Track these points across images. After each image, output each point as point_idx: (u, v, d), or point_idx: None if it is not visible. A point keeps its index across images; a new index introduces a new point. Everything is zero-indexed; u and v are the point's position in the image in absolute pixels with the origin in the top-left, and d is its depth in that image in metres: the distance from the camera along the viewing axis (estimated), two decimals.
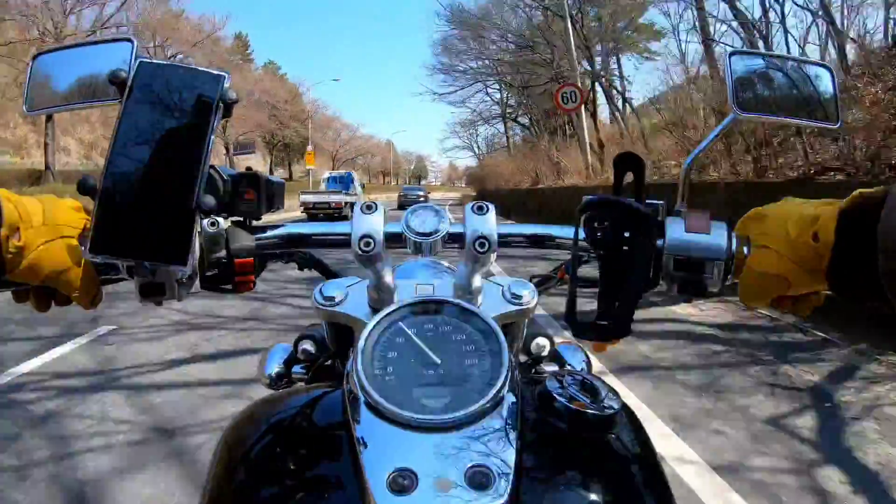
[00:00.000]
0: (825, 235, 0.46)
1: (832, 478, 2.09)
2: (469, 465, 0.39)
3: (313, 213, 17.02)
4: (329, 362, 0.74)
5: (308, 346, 0.75)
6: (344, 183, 20.58)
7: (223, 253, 0.54)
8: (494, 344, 0.47)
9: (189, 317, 4.37)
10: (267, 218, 0.62)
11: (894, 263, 0.40)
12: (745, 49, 0.70)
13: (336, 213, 16.66)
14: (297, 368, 0.78)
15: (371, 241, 0.49)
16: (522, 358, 0.77)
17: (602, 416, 0.48)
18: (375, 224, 0.50)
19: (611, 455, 0.47)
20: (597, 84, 20.75)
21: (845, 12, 10.55)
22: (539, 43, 22.69)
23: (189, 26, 27.45)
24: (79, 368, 3.27)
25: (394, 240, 0.51)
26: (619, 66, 23.07)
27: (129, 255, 0.46)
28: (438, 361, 0.45)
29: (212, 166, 0.51)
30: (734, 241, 0.53)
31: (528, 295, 0.55)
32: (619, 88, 21.97)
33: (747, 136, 6.24)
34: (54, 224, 0.48)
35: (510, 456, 0.40)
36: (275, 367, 0.78)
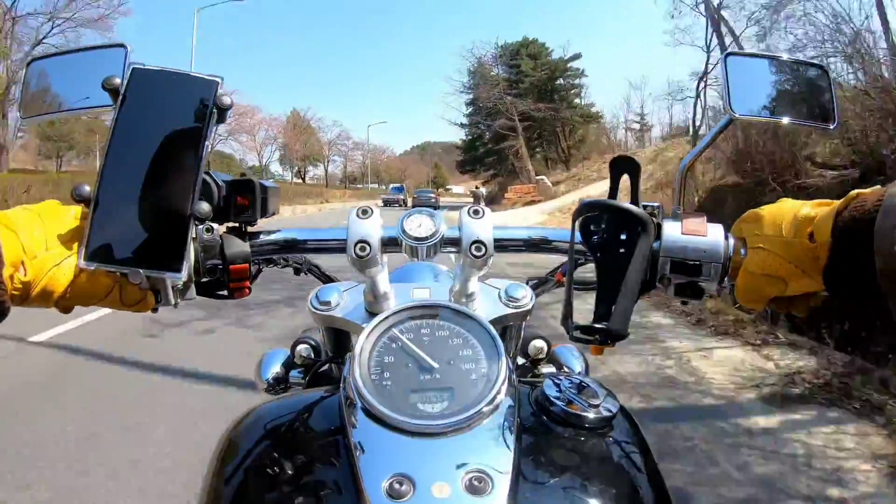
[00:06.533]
0: (821, 236, 0.46)
1: None
2: (466, 471, 0.39)
3: (387, 201, 33.82)
4: (326, 367, 0.74)
5: (305, 350, 0.75)
6: (399, 190, 41.90)
7: (218, 259, 0.53)
8: (491, 348, 0.46)
9: None
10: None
11: (891, 263, 0.40)
12: (741, 50, 0.70)
13: (399, 205, 31.00)
14: (294, 373, 0.78)
15: (367, 245, 0.49)
16: (520, 360, 0.77)
17: (599, 419, 0.48)
18: (371, 228, 0.50)
19: (608, 457, 0.47)
20: None
21: None
22: None
23: None
24: None
25: (390, 244, 0.51)
26: None
27: (124, 264, 0.46)
28: (435, 366, 0.45)
29: (206, 172, 0.51)
30: (730, 243, 0.53)
31: (525, 297, 0.55)
32: None
33: None
34: (59, 245, 0.46)
35: (508, 460, 0.40)
36: (272, 372, 0.78)
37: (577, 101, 39.92)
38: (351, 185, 61.30)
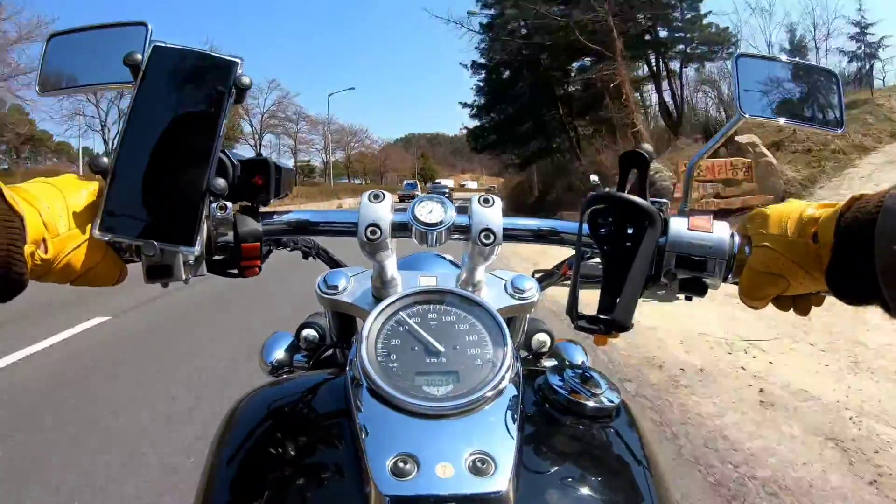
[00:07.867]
0: (825, 237, 0.46)
1: None
2: (470, 452, 0.39)
3: (402, 197, 31.58)
4: (331, 351, 0.75)
5: (310, 334, 0.76)
6: (413, 186, 41.39)
7: (230, 237, 0.54)
8: (497, 334, 0.47)
9: None
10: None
11: (891, 263, 0.41)
12: (752, 52, 0.71)
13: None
14: (298, 357, 0.78)
15: (377, 229, 0.50)
16: (523, 353, 0.77)
17: (601, 409, 0.49)
18: (382, 213, 0.51)
19: (609, 446, 0.48)
20: None
21: None
22: None
23: None
24: None
25: (400, 229, 0.52)
26: None
27: (139, 236, 0.47)
28: (442, 350, 0.46)
29: (222, 150, 0.52)
30: (736, 240, 0.54)
31: (531, 289, 0.55)
32: None
33: None
34: (81, 224, 0.47)
35: (511, 444, 0.41)
36: (276, 355, 0.78)
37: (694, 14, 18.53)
38: (306, 180, 43.10)
